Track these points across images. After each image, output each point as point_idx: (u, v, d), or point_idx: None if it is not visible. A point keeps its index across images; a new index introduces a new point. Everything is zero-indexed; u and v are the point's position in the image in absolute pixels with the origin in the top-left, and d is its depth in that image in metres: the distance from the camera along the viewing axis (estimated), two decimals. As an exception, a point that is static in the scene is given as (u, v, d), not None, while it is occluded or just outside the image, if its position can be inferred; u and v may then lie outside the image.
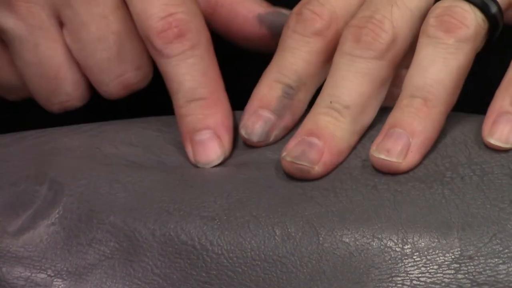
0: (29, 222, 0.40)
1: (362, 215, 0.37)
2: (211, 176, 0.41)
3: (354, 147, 0.41)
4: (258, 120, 0.42)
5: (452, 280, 0.35)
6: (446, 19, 0.40)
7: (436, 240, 0.36)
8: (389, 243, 0.36)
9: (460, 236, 0.36)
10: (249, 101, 0.42)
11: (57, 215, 0.40)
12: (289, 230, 0.37)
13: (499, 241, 0.36)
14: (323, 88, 0.41)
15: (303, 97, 0.42)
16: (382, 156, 0.38)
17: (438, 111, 0.39)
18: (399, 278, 0.36)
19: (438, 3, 0.40)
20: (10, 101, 0.48)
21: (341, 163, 0.40)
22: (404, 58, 0.42)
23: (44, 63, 0.45)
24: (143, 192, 0.40)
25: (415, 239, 0.36)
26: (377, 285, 0.36)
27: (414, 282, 0.35)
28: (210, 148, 0.42)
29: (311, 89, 0.43)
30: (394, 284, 0.36)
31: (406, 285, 0.35)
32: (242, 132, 0.42)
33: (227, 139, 0.42)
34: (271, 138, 0.42)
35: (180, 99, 0.43)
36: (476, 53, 0.41)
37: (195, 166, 0.42)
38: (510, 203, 0.37)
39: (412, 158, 0.38)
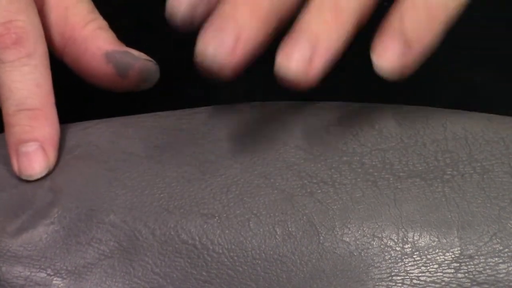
0: (29, 222, 0.40)
1: (363, 214, 0.37)
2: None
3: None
4: None
5: (452, 279, 0.35)
6: None
7: (436, 239, 0.36)
8: (389, 242, 0.36)
9: (460, 235, 0.36)
10: None
11: (57, 215, 0.40)
12: (290, 229, 0.37)
13: (499, 240, 0.36)
14: None
15: None
16: (283, 70, 0.35)
17: (344, 22, 0.36)
18: (399, 277, 0.36)
19: None
20: None
21: None
22: None
23: None
24: (142, 189, 0.40)
25: (415, 238, 0.36)
26: (377, 284, 0.36)
27: (414, 281, 0.35)
28: (35, 161, 0.41)
29: None
30: (394, 283, 0.36)
31: (406, 284, 0.35)
32: (168, 9, 0.38)
33: (52, 153, 0.42)
34: (197, 14, 0.38)
35: (9, 107, 0.42)
36: None
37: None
38: (511, 202, 0.37)
39: (316, 69, 0.36)
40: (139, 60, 0.45)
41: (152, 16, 0.47)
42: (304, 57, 0.36)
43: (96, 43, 0.46)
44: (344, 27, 0.37)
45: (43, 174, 0.41)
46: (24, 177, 0.41)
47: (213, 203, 0.39)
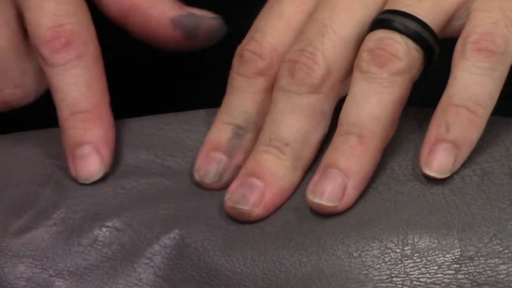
0: (31, 222, 0.40)
1: (363, 217, 0.37)
2: None
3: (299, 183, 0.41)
4: (210, 162, 0.41)
5: (452, 280, 0.35)
6: (378, 53, 0.39)
7: (436, 241, 0.36)
8: (389, 244, 0.36)
9: (460, 237, 0.36)
10: (201, 145, 0.42)
11: (60, 216, 0.40)
12: (291, 234, 0.37)
13: (499, 242, 0.35)
14: (263, 125, 0.41)
15: (254, 136, 0.42)
16: (317, 200, 0.37)
17: (374, 148, 0.38)
18: (399, 279, 0.35)
19: (369, 35, 0.40)
20: None
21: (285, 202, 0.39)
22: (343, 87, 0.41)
23: None
24: (149, 200, 0.40)
25: (415, 240, 0.36)
26: (377, 285, 0.35)
27: (414, 282, 0.35)
28: (91, 164, 0.41)
29: (261, 127, 0.42)
30: (394, 285, 0.35)
31: (406, 285, 0.35)
32: (196, 176, 0.41)
33: (107, 154, 0.42)
34: (224, 179, 0.41)
35: (64, 111, 0.42)
36: (413, 83, 0.40)
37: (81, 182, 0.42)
38: (511, 203, 0.36)
39: (348, 199, 0.38)
40: (205, 20, 0.45)
41: None
42: (338, 195, 0.38)
43: (160, 9, 0.45)
44: (373, 156, 0.38)
45: (99, 176, 0.41)
46: (81, 181, 0.41)
47: (219, 217, 0.39)
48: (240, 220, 0.39)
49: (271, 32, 0.43)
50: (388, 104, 0.38)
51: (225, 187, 0.41)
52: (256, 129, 0.42)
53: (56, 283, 0.38)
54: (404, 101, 0.39)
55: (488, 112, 0.38)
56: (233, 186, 0.39)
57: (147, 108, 0.48)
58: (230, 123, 0.42)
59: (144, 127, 0.44)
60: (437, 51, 0.40)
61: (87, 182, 0.41)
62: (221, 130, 0.42)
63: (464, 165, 0.38)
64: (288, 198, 0.39)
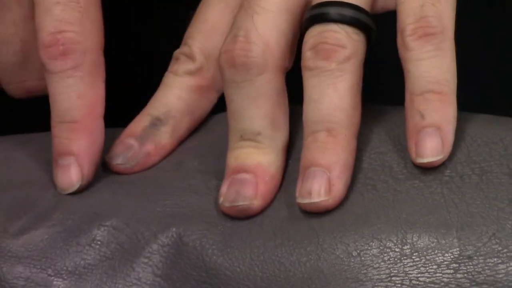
0: (31, 223, 0.40)
1: (362, 216, 0.37)
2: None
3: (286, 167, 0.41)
4: (121, 146, 0.42)
5: (451, 279, 0.35)
6: (321, 47, 0.39)
7: (435, 240, 0.36)
8: (388, 243, 0.36)
9: (459, 236, 0.35)
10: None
11: (59, 217, 0.40)
12: (289, 232, 0.37)
13: (498, 241, 0.35)
14: (229, 124, 0.41)
15: (170, 130, 0.43)
16: (307, 201, 0.37)
17: (344, 136, 0.38)
18: (398, 278, 0.35)
19: (308, 33, 0.40)
20: (15, 103, 0.49)
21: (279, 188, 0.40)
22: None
23: None
24: (147, 197, 0.40)
25: (414, 239, 0.36)
26: (376, 284, 0.35)
27: (413, 282, 0.35)
28: (69, 175, 0.41)
29: (182, 124, 0.44)
30: (393, 284, 0.35)
31: (405, 285, 0.35)
32: (105, 157, 0.42)
33: (87, 167, 0.41)
34: (131, 163, 0.42)
35: (53, 118, 0.42)
36: (362, 64, 0.40)
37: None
38: (509, 202, 0.36)
39: (337, 190, 0.38)
40: None
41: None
42: (325, 189, 0.37)
43: None
44: (346, 144, 0.39)
45: (75, 189, 0.41)
46: (59, 190, 0.41)
47: (217, 214, 0.39)
48: (241, 216, 0.38)
49: (199, 37, 0.44)
50: (345, 91, 0.39)
51: (131, 172, 0.42)
52: (174, 124, 0.43)
53: (55, 282, 0.38)
54: (359, 85, 0.40)
55: (453, 87, 0.39)
56: (224, 188, 0.39)
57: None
58: (150, 114, 0.43)
59: None
60: (374, 29, 0.40)
61: (64, 192, 0.41)
62: (140, 120, 0.43)
63: (463, 164, 0.38)
64: (284, 192, 0.39)
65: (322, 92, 0.39)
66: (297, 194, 0.38)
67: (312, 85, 0.39)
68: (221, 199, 0.39)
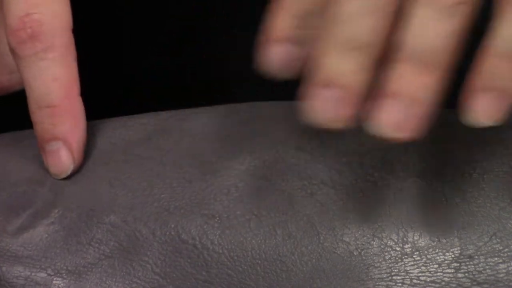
0: (29, 222, 0.40)
1: (363, 214, 0.37)
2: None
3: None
4: None
5: (452, 279, 0.35)
6: None
7: (436, 239, 0.36)
8: (389, 242, 0.36)
9: (460, 235, 0.36)
10: None
11: (57, 215, 0.39)
12: (290, 229, 0.37)
13: (499, 240, 0.36)
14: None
15: None
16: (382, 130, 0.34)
17: (437, 77, 0.36)
18: (399, 277, 0.36)
19: None
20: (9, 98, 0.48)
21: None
22: None
23: None
24: (143, 190, 0.40)
25: (415, 238, 0.36)
26: (377, 283, 0.36)
27: (414, 281, 0.35)
28: (60, 160, 0.41)
29: None
30: (394, 283, 0.36)
31: (406, 284, 0.35)
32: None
33: (76, 149, 0.41)
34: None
35: (31, 105, 0.42)
36: (473, 15, 0.37)
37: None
38: (511, 201, 0.36)
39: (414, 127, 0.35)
40: None
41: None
42: (402, 121, 0.34)
43: None
44: (438, 80, 0.36)
45: (69, 172, 0.41)
46: (52, 176, 0.41)
47: (213, 204, 0.38)
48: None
49: None
50: (451, 32, 0.36)
51: None
52: None
53: (54, 281, 0.38)
54: (465, 32, 0.37)
55: None
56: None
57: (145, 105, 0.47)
58: None
59: (142, 124, 0.44)
60: None
61: (58, 178, 0.41)
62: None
63: (464, 163, 0.38)
64: (282, 182, 0.39)
65: (428, 26, 0.36)
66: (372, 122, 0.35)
67: (421, 15, 0.36)
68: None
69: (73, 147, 0.41)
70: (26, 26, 0.41)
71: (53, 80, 0.41)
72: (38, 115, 0.41)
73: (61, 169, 0.41)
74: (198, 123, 0.43)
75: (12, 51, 0.41)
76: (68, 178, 0.41)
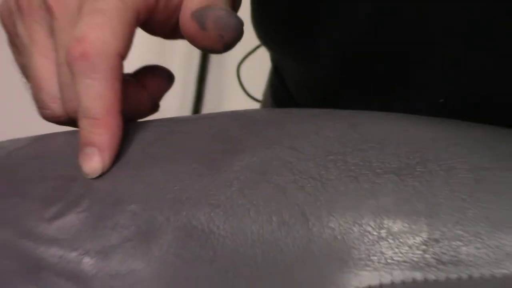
0: (63, 210, 0.41)
1: (345, 204, 0.38)
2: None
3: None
4: None
5: (421, 259, 0.36)
6: None
7: (407, 225, 0.37)
8: (367, 228, 0.37)
9: (428, 222, 0.37)
10: None
11: (86, 205, 0.41)
12: (284, 217, 0.38)
13: (461, 227, 0.36)
14: None
15: None
16: None
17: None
18: (375, 257, 0.37)
19: None
20: None
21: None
22: None
23: (33, 71, 0.45)
24: (158, 183, 0.41)
25: (389, 224, 0.37)
26: (357, 263, 0.37)
27: (389, 260, 0.36)
28: (92, 163, 0.42)
29: None
30: (371, 262, 0.37)
31: (382, 263, 0.36)
32: None
33: (107, 157, 0.42)
34: None
35: (79, 113, 0.43)
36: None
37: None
38: (471, 194, 0.38)
39: None
40: (213, 10, 0.44)
41: None
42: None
43: (186, 5, 0.45)
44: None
45: (97, 175, 0.42)
46: (83, 174, 0.42)
47: (218, 195, 0.39)
48: None
49: None
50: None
51: None
52: None
53: (84, 260, 0.39)
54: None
55: None
56: None
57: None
58: None
59: (157, 126, 0.45)
60: None
61: (87, 177, 0.42)
62: None
63: (432, 162, 0.39)
64: (277, 177, 0.40)
65: None
66: None
67: None
68: None
69: (105, 155, 0.42)
70: (80, 47, 0.41)
71: (98, 97, 0.42)
72: (82, 122, 0.43)
73: (91, 170, 0.42)
74: (205, 126, 0.44)
75: (68, 67, 0.42)
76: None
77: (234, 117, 0.45)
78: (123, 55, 0.43)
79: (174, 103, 1.44)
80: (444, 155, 0.40)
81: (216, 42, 0.45)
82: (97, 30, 0.42)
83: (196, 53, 1.42)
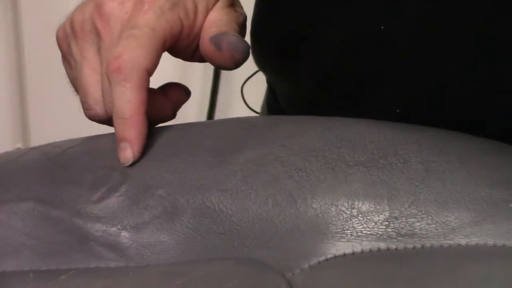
0: (106, 194, 0.40)
1: (325, 189, 0.37)
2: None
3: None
4: None
5: (384, 232, 0.35)
6: None
7: (373, 206, 0.36)
8: (342, 208, 0.36)
9: (389, 203, 0.36)
10: None
11: (124, 189, 0.40)
12: (277, 199, 0.37)
13: (415, 207, 0.36)
14: None
15: None
16: None
17: None
18: (348, 231, 0.36)
19: None
20: None
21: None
22: None
23: (82, 80, 0.44)
24: (180, 173, 0.40)
25: (359, 205, 0.36)
26: (334, 235, 0.36)
27: (359, 233, 0.36)
28: (125, 153, 0.41)
29: None
30: (345, 235, 0.36)
31: (354, 235, 0.36)
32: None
33: (136, 150, 0.41)
34: None
35: (114, 114, 0.42)
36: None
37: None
38: (422, 181, 0.36)
39: None
40: (227, 36, 0.44)
41: None
42: None
43: (206, 32, 0.45)
44: None
45: (130, 163, 0.41)
46: (121, 163, 0.41)
47: (226, 182, 0.39)
48: None
49: None
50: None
51: None
52: None
53: (122, 234, 0.38)
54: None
55: None
56: None
57: None
58: None
59: (178, 129, 0.44)
60: None
61: (124, 165, 0.41)
62: None
63: (391, 156, 0.38)
64: (272, 168, 0.39)
65: None
66: None
67: None
68: None
69: (135, 148, 0.41)
70: (116, 62, 0.41)
71: (127, 101, 0.41)
72: (116, 122, 0.42)
73: (125, 160, 0.41)
74: (216, 129, 0.43)
75: (107, 77, 0.42)
76: (131, 166, 0.41)
77: (239, 122, 0.44)
78: (149, 70, 0.42)
79: (192, 112, 1.46)
80: (401, 151, 0.38)
81: (228, 60, 0.44)
82: (130, 50, 0.41)
83: (209, 75, 1.43)
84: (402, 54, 0.43)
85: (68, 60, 0.46)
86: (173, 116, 0.47)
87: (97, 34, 0.44)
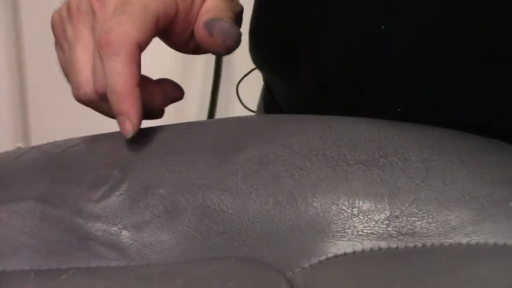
0: (106, 193, 0.40)
1: (325, 188, 0.37)
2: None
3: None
4: None
5: (384, 231, 0.35)
6: None
7: (374, 205, 0.36)
8: (343, 207, 0.36)
9: (389, 202, 0.36)
10: None
11: (125, 188, 0.40)
12: (278, 198, 0.37)
13: (415, 206, 0.36)
14: None
15: None
16: None
17: None
18: (349, 230, 0.36)
19: None
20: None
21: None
22: None
23: (74, 60, 0.44)
24: (180, 172, 0.40)
25: (360, 204, 0.36)
26: (335, 234, 0.36)
27: (359, 232, 0.36)
28: (125, 127, 0.41)
29: None
30: (346, 234, 0.36)
31: (354, 234, 0.35)
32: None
33: (135, 120, 0.41)
34: None
35: (107, 89, 0.41)
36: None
37: None
38: (423, 179, 0.36)
39: None
40: (220, 21, 0.44)
41: None
42: None
43: (201, 18, 0.45)
44: None
45: (131, 135, 0.41)
46: (122, 137, 0.41)
47: (227, 181, 0.38)
48: None
49: None
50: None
51: None
52: None
53: (123, 233, 0.38)
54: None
55: None
56: None
57: None
58: None
59: (181, 128, 0.44)
60: None
61: (125, 138, 0.41)
62: None
63: (392, 155, 0.38)
64: (272, 167, 0.38)
65: None
66: None
67: None
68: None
69: (133, 120, 0.41)
70: (106, 37, 0.41)
71: (118, 75, 0.41)
72: (111, 98, 0.41)
73: (126, 133, 0.41)
74: (216, 128, 0.43)
75: (98, 53, 0.41)
76: (132, 165, 0.41)
77: (239, 121, 0.43)
78: (140, 44, 0.42)
79: (192, 112, 1.46)
80: (401, 149, 0.38)
81: (219, 46, 0.44)
82: (121, 25, 0.41)
83: (210, 75, 1.43)
84: (402, 55, 0.43)
85: (61, 44, 0.46)
86: (164, 104, 0.47)
87: (93, 15, 0.44)
